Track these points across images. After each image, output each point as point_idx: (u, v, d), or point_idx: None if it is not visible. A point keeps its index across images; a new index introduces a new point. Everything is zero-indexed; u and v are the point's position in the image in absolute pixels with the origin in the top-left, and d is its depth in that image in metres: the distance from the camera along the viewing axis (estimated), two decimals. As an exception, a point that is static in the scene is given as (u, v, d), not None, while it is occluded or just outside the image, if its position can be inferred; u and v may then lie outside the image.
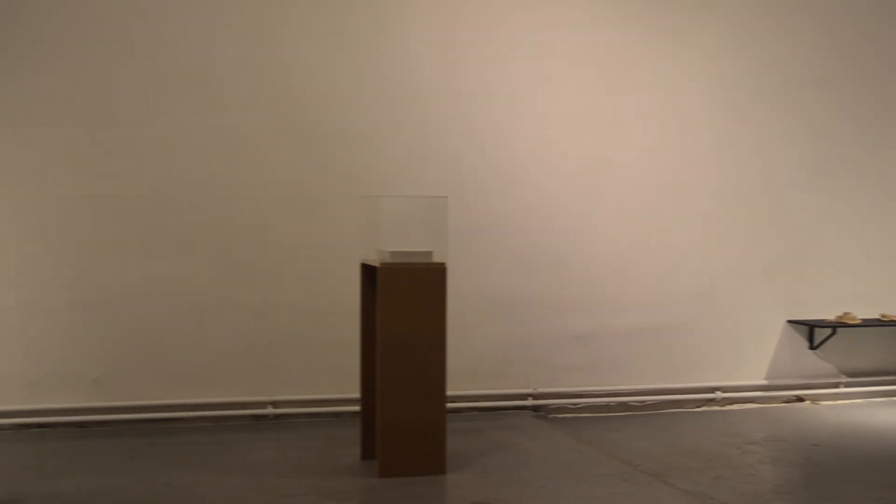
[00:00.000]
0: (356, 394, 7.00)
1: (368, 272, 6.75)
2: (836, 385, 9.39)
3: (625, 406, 8.79)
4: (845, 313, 9.18)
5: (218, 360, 8.04)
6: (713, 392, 9.00)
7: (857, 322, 9.11)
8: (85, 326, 7.82)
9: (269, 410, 8.13)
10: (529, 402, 8.64)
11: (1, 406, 7.68)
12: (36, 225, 7.75)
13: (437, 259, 6.49)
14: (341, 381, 7.87)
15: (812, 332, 9.27)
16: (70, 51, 7.79)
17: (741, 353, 9.12)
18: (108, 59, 7.86)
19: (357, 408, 7.05)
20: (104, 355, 7.86)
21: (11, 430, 7.67)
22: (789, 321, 9.24)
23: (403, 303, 6.35)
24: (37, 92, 7.74)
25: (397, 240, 6.51)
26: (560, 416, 8.58)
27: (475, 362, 8.41)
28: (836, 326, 9.08)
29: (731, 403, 9.04)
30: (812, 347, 9.27)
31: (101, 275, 7.84)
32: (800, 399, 9.27)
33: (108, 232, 7.86)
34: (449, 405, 6.66)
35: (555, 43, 8.67)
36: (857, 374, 9.44)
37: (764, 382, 9.18)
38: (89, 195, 7.83)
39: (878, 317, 9.33)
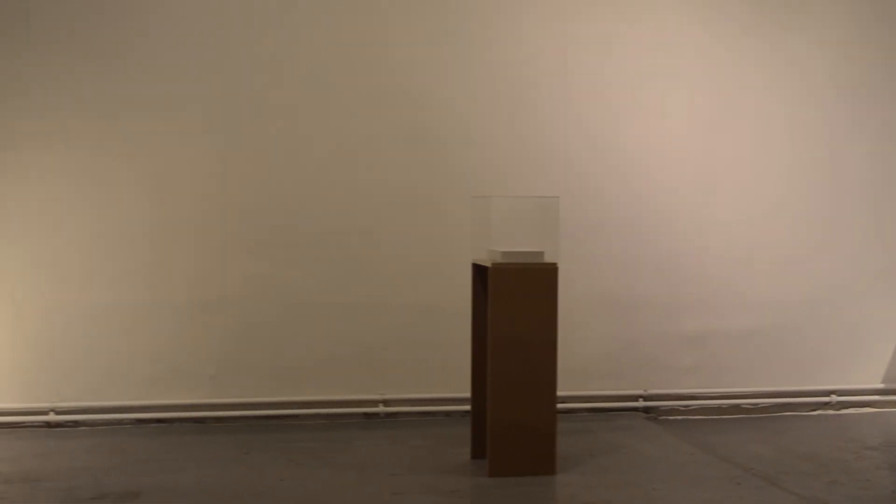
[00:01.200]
0: (467, 393, 7.04)
1: (479, 272, 6.78)
2: (957, 390, 9.16)
3: (737, 408, 8.68)
4: (968, 316, 8.96)
5: (331, 359, 8.16)
6: (828, 395, 8.84)
7: (980, 325, 8.88)
8: (202, 325, 8.01)
9: (381, 409, 8.22)
10: (640, 403, 8.58)
11: (123, 402, 7.90)
12: (155, 226, 7.96)
13: (548, 259, 6.49)
14: (452, 381, 7.91)
15: (933, 334, 9.06)
16: (192, 56, 7.99)
17: (858, 355, 8.94)
18: (227, 65, 8.04)
19: (467, 407, 7.09)
20: (221, 353, 8.04)
21: (132, 425, 7.89)
22: (908, 323, 9.05)
23: (514, 303, 6.37)
24: (161, 96, 7.95)
25: (508, 240, 6.53)
26: (671, 417, 8.51)
27: (586, 362, 8.40)
28: (957, 329, 8.87)
29: (846, 407, 8.87)
30: (932, 351, 9.07)
31: (217, 275, 8.02)
32: (919, 404, 9.06)
33: (225, 233, 8.03)
34: (559, 405, 6.66)
35: (669, 40, 8.59)
36: (979, 379, 9.20)
37: (881, 386, 8.97)
38: (206, 197, 8.02)
39: None
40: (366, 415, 8.21)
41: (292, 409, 8.11)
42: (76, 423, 7.85)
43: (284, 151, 8.11)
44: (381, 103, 8.22)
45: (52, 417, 7.82)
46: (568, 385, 7.69)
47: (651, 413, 8.55)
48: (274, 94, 8.10)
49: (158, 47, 7.97)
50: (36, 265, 7.82)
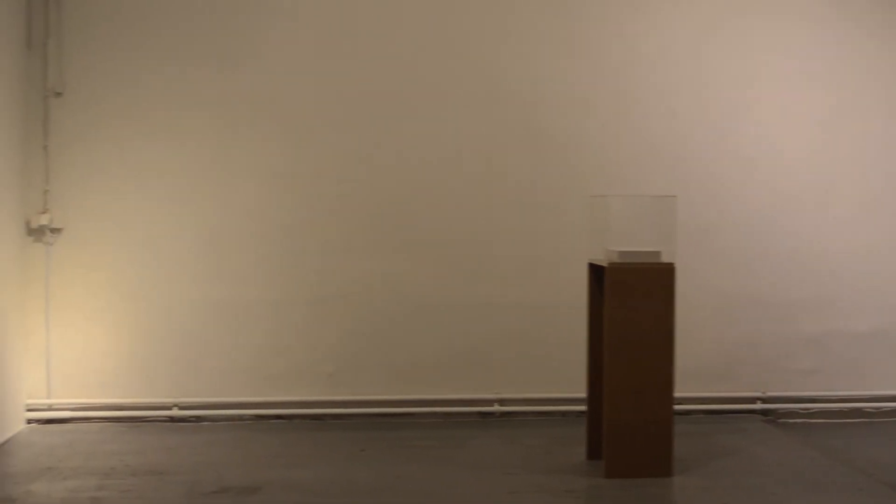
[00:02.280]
0: (582, 393, 7.01)
1: (596, 272, 6.75)
2: None
3: (859, 412, 8.48)
4: None
5: (446, 358, 8.21)
6: (955, 400, 8.61)
7: None
8: (321, 323, 8.13)
9: (496, 408, 8.24)
10: (758, 405, 8.44)
11: (243, 397, 8.07)
12: (276, 225, 8.10)
13: (665, 259, 6.45)
14: (567, 380, 7.86)
15: None
16: (317, 58, 8.13)
17: None
18: (349, 68, 8.15)
19: (583, 407, 7.05)
20: (338, 351, 8.15)
21: (252, 420, 8.04)
22: None
23: (631, 303, 6.33)
24: (288, 96, 8.10)
25: (625, 239, 6.50)
26: (790, 421, 8.36)
27: (702, 364, 8.29)
28: None
29: (975, 412, 8.63)
30: None
31: (335, 273, 8.13)
32: None
33: (344, 232, 8.14)
34: (676, 407, 6.60)
35: (788, 38, 8.46)
36: None
37: None
38: (327, 197, 8.14)
39: None
40: (481, 414, 8.24)
41: (408, 407, 8.18)
42: (198, 419, 8.04)
43: (404, 152, 8.19)
44: (500, 103, 8.24)
45: (175, 412, 8.02)
46: (684, 386, 7.58)
47: (769, 416, 8.41)
48: (395, 96, 8.19)
49: (286, 49, 8.11)
50: (161, 263, 8.03)
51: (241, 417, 8.06)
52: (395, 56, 8.20)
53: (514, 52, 8.27)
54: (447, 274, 8.22)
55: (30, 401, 7.89)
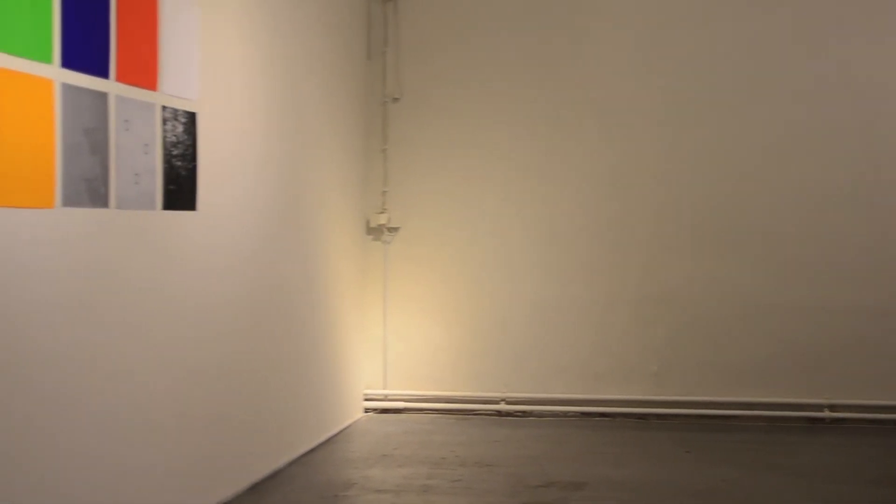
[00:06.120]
0: (925, 401, 6.73)
1: (935, 276, 6.45)
2: None
3: None
4: None
5: (772, 360, 8.04)
6: None
7: None
8: (646, 322, 8.16)
9: (826, 414, 7.99)
10: None
11: (569, 394, 8.21)
12: (603, 224, 8.20)
13: None
14: (906, 388, 7.59)
15: None
16: (634, 59, 8.19)
17: None
18: (666, 65, 8.16)
19: (922, 417, 6.76)
20: (663, 350, 8.14)
21: (577, 417, 8.17)
22: None
23: (975, 310, 6.01)
24: (607, 98, 8.21)
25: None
26: None
27: None
28: None
29: None
30: None
31: (662, 273, 8.14)
32: None
33: (671, 232, 8.14)
34: None
35: None
36: None
37: None
38: (652, 196, 8.16)
39: None
40: (809, 419, 8.01)
41: (733, 409, 8.07)
42: (524, 413, 8.25)
43: (730, 150, 8.09)
44: (826, 97, 8.00)
45: (502, 407, 8.27)
46: None
47: None
48: (713, 93, 8.10)
49: (610, 50, 8.21)
50: (491, 261, 8.30)
51: (566, 414, 8.20)
52: (719, 52, 8.11)
53: (844, 43, 7.99)
54: (776, 274, 8.04)
55: (367, 391, 8.36)
